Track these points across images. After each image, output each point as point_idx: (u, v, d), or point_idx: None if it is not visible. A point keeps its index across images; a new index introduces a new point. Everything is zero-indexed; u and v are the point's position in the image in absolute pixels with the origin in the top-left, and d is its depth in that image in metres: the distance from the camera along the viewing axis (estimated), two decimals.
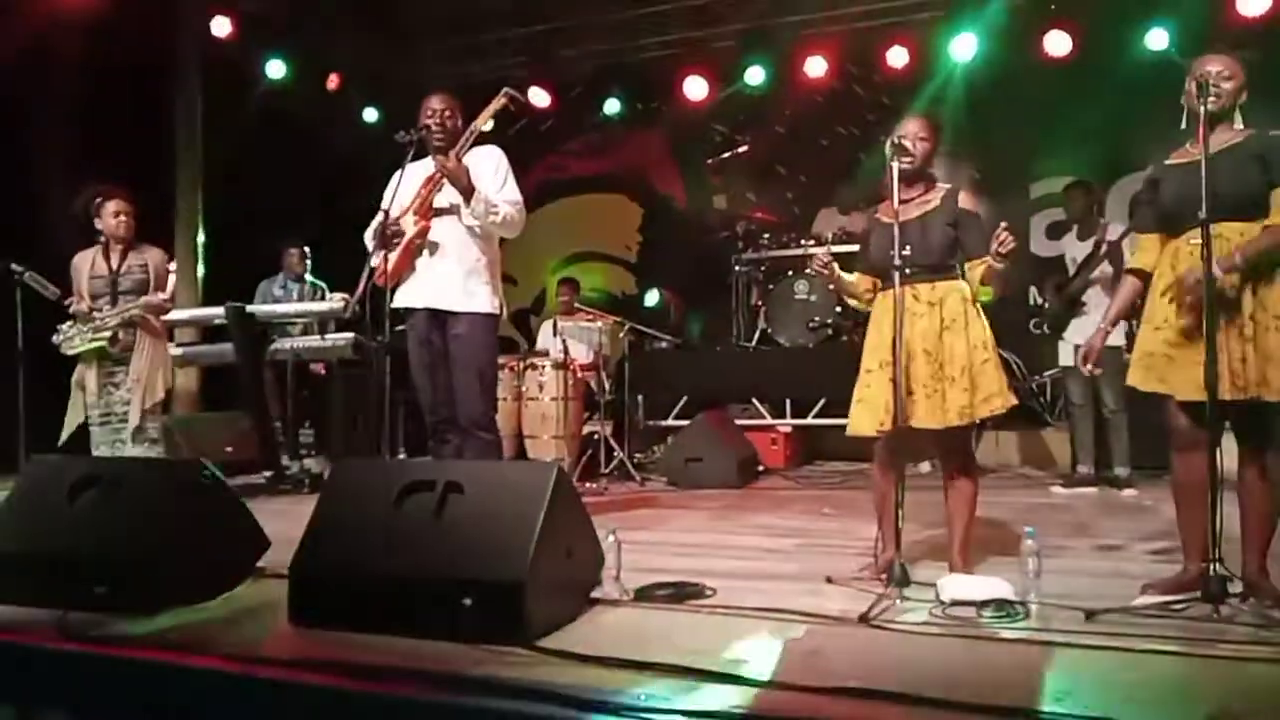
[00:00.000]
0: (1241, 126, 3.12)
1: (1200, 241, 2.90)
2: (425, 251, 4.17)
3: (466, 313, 4.14)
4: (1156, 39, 7.41)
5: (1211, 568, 2.84)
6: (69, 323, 4.94)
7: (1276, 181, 3.01)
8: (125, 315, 4.83)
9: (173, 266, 5.10)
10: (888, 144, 3.31)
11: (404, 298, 4.21)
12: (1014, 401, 3.45)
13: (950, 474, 3.50)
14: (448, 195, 4.15)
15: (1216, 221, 2.93)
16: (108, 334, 4.80)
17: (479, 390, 4.14)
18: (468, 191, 4.04)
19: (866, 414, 3.46)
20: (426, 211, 4.16)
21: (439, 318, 4.18)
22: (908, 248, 3.27)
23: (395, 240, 4.10)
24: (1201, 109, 2.97)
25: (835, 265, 3.59)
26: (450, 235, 4.17)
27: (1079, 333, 5.82)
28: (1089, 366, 3.37)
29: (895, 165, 3.30)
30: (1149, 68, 7.29)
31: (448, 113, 4.21)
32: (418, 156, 4.23)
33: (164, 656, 2.67)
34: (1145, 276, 3.25)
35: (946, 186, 3.53)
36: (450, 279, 4.15)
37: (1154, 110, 6.95)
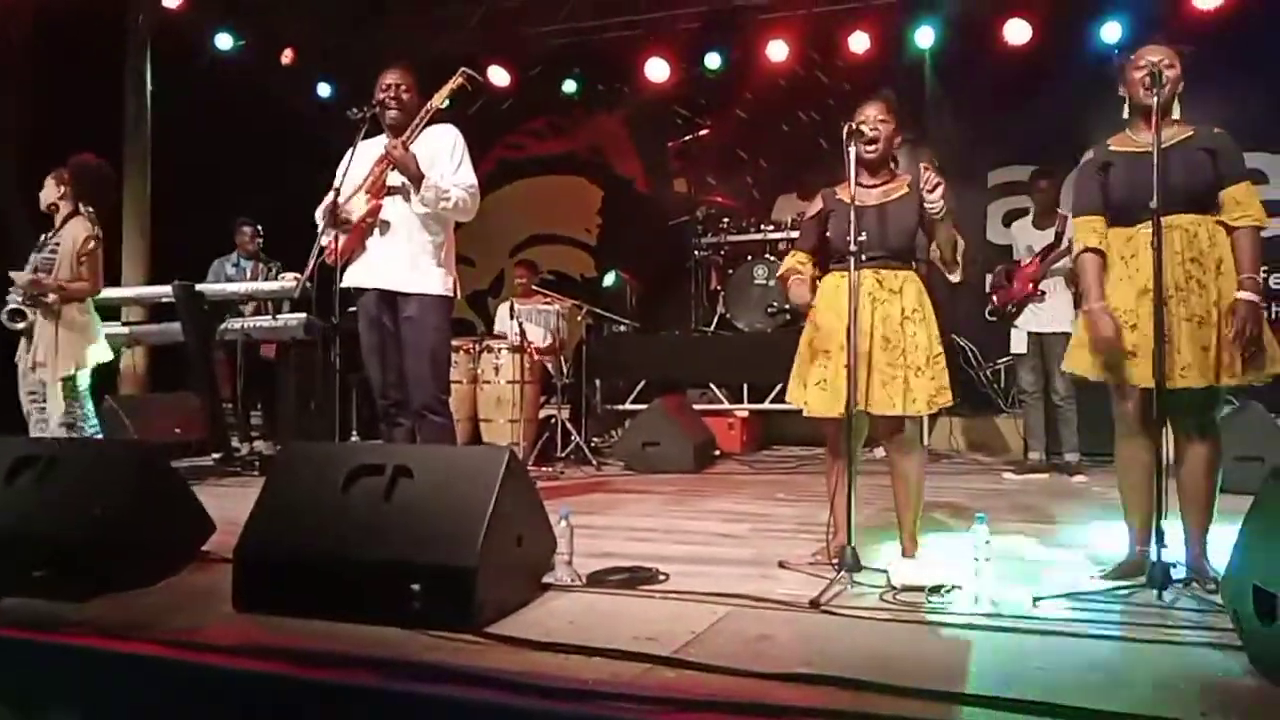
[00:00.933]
0: (1177, 120, 3.16)
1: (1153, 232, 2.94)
2: (376, 231, 4.09)
3: (417, 294, 4.06)
4: (1110, 32, 7.48)
5: (1155, 553, 2.88)
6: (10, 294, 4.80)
7: (1226, 180, 3.06)
8: (24, 293, 4.66)
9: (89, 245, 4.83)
10: (845, 130, 3.29)
11: (353, 277, 4.12)
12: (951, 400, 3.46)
13: (900, 460, 3.49)
14: (399, 175, 4.07)
15: (1169, 214, 2.96)
16: (9, 309, 4.65)
17: (430, 373, 4.07)
18: (416, 179, 3.97)
19: (830, 396, 3.40)
20: (379, 190, 4.07)
21: (389, 299, 4.10)
22: (864, 234, 3.27)
23: (345, 220, 4.02)
24: (1155, 99, 3.00)
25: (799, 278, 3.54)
26: (402, 214, 4.09)
27: (1033, 320, 5.88)
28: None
29: (852, 150, 3.28)
30: (1106, 57, 7.37)
31: (403, 88, 4.13)
32: (372, 133, 4.15)
33: (103, 643, 2.60)
34: (1101, 254, 3.24)
35: (908, 174, 3.52)
36: (401, 259, 4.07)
37: (1112, 100, 7.04)
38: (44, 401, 4.66)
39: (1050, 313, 5.81)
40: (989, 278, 8.26)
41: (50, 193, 4.81)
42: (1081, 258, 3.28)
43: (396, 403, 4.12)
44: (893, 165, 3.55)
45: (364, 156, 4.11)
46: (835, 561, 3.24)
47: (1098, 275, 3.22)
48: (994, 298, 6.24)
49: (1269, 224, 3.10)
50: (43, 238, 4.83)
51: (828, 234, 3.54)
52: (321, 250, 4.03)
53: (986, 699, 2.11)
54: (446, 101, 4.15)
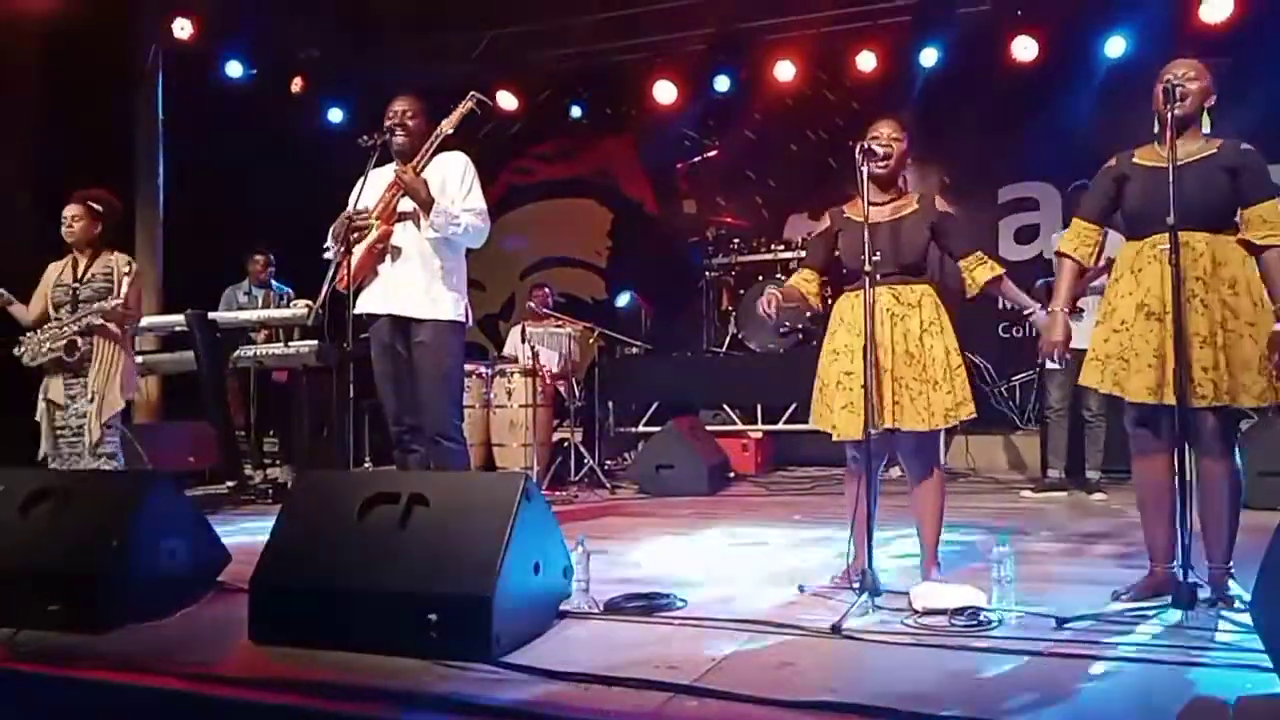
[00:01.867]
0: (1208, 133, 3.13)
1: (1167, 248, 2.91)
2: (388, 257, 4.07)
3: (431, 320, 4.04)
4: (1116, 46, 7.47)
5: (1182, 573, 2.84)
6: (30, 333, 4.80)
7: (1248, 201, 3.03)
8: (82, 323, 4.69)
9: (129, 269, 4.90)
10: (857, 148, 3.28)
11: (366, 304, 4.11)
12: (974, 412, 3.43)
13: (919, 479, 3.46)
14: (411, 200, 4.06)
15: (1184, 230, 2.94)
16: (64, 342, 4.66)
17: (445, 399, 4.05)
18: (426, 204, 3.96)
19: (858, 417, 3.29)
20: (390, 216, 4.06)
21: (402, 325, 4.08)
22: (879, 253, 3.26)
23: (355, 239, 4.00)
24: (1169, 114, 2.98)
25: (776, 299, 3.53)
26: (414, 240, 4.07)
27: (1074, 336, 5.80)
28: (1053, 360, 3.38)
29: (865, 169, 3.28)
30: (1115, 72, 7.37)
31: (410, 114, 4.13)
32: (383, 160, 4.16)
33: (119, 676, 2.58)
34: (1078, 263, 3.26)
35: (918, 192, 3.52)
36: (414, 285, 4.05)
37: (1121, 115, 7.01)
38: (75, 436, 4.66)
39: (1086, 330, 5.73)
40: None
41: (87, 225, 4.82)
42: (1058, 259, 3.36)
43: (410, 429, 4.10)
44: (901, 183, 3.54)
45: (375, 183, 4.11)
46: (854, 584, 3.19)
47: (1069, 280, 3.31)
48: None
49: None
50: (76, 274, 4.82)
51: (837, 252, 3.54)
52: (334, 276, 4.03)
53: None
54: (454, 127, 4.15)
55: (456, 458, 4.03)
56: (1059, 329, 3.26)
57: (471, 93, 4.14)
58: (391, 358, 4.10)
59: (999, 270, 3.46)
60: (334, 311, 4.33)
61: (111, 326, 4.75)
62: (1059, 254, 3.37)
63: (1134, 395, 3.06)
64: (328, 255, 4.05)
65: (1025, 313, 3.55)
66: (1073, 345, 5.74)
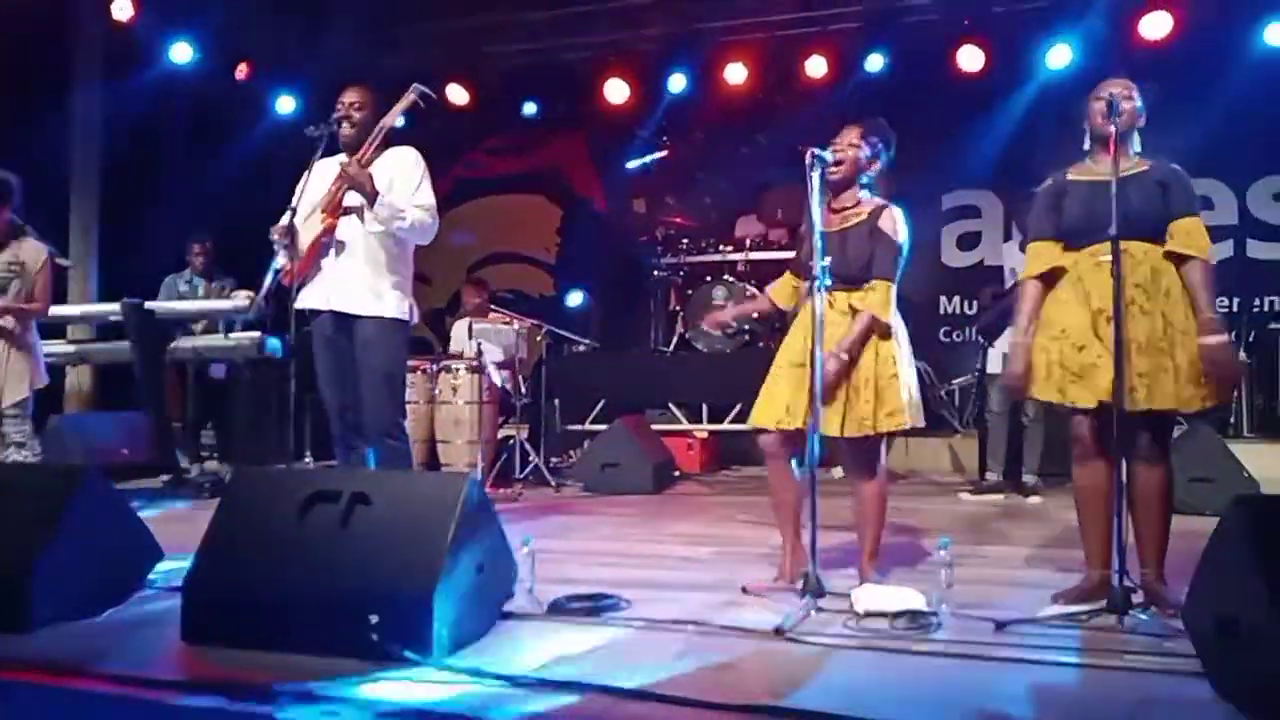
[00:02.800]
0: (1139, 152, 3.25)
1: (1109, 257, 2.98)
2: (332, 251, 3.99)
3: (373, 317, 3.98)
4: (1059, 57, 7.61)
5: (1117, 578, 2.89)
6: None
7: (1176, 213, 3.14)
8: None
9: (66, 263, 4.78)
10: (807, 153, 3.28)
11: (309, 299, 4.03)
12: (918, 422, 3.41)
13: (858, 482, 3.47)
14: (355, 195, 3.97)
15: (1124, 239, 3.01)
16: None
17: (386, 397, 4.00)
18: (370, 198, 3.88)
19: (768, 407, 3.42)
20: (335, 209, 3.96)
21: (345, 321, 4.01)
22: (829, 258, 3.26)
23: (289, 247, 3.94)
24: (1112, 127, 3.05)
25: (727, 315, 3.69)
26: (359, 235, 3.99)
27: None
28: (1019, 390, 3.36)
29: (814, 176, 3.27)
30: (1057, 83, 7.51)
31: (357, 105, 4.04)
32: (330, 151, 4.08)
33: (44, 678, 2.50)
34: (1047, 281, 3.29)
35: (877, 202, 3.50)
36: (357, 281, 3.98)
37: (1062, 125, 7.16)
38: None
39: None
40: (942, 299, 8.45)
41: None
42: (1025, 284, 3.34)
43: (352, 425, 4.03)
44: (862, 192, 3.53)
45: (322, 175, 4.03)
46: (792, 584, 3.26)
47: (1034, 307, 3.29)
48: (980, 319, 6.25)
49: (1212, 258, 3.16)
50: None
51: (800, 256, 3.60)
52: (277, 271, 3.94)
53: None
54: (400, 120, 4.08)
55: (399, 456, 3.98)
56: (1021, 361, 3.26)
57: (414, 85, 4.06)
58: (334, 354, 4.02)
59: (869, 310, 3.34)
60: (277, 304, 4.24)
61: (7, 322, 4.59)
62: (1026, 279, 3.33)
63: (1085, 402, 3.11)
64: (279, 263, 3.96)
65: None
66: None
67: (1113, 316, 2.97)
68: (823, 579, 3.14)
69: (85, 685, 2.47)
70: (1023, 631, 2.83)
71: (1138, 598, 2.97)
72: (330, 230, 3.97)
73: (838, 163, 3.41)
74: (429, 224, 4.04)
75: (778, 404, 3.41)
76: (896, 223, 3.43)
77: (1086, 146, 3.30)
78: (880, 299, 3.34)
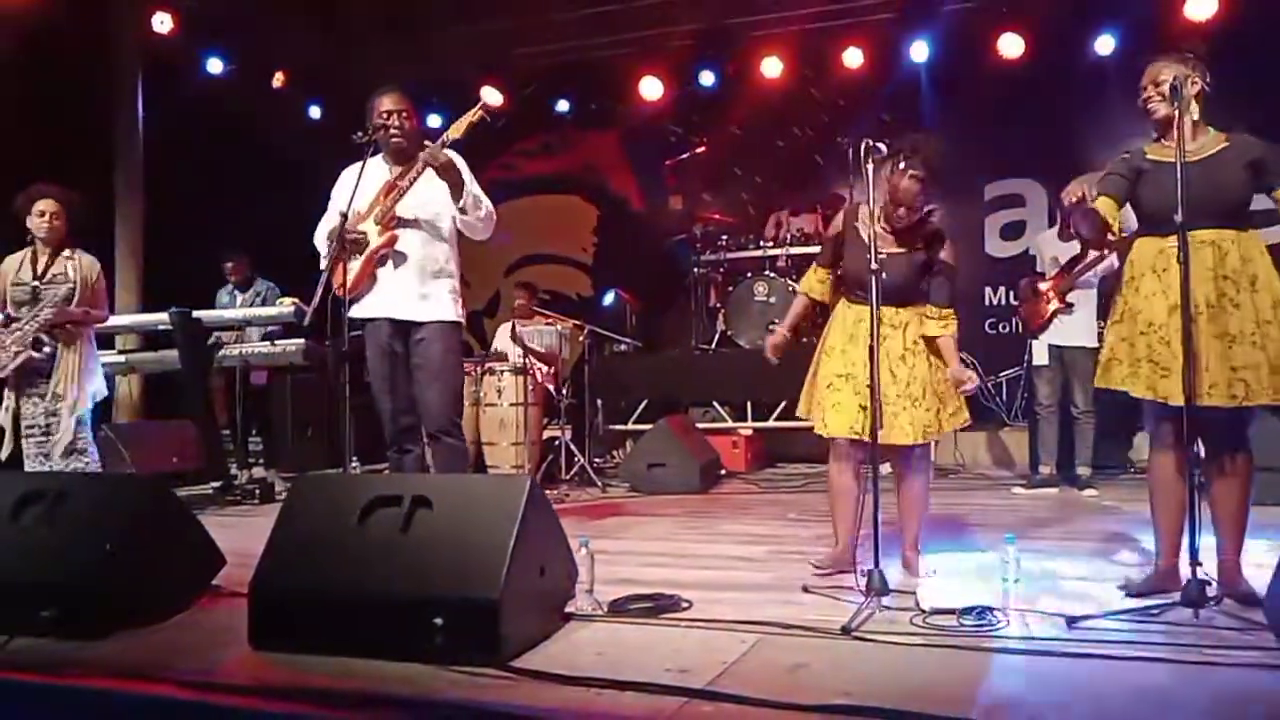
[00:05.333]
0: (1213, 125, 3.12)
1: (1189, 245, 2.88)
2: (389, 262, 4.05)
3: (430, 321, 4.04)
4: (1103, 44, 7.50)
5: (1191, 570, 2.83)
6: None
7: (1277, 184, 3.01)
8: (42, 320, 4.59)
9: (95, 273, 4.81)
10: (862, 144, 3.24)
11: (364, 308, 4.08)
12: (968, 417, 3.66)
13: (912, 477, 3.63)
14: (410, 204, 4.02)
15: (1198, 229, 2.93)
16: (30, 340, 4.56)
17: (444, 397, 4.04)
18: (458, 185, 3.92)
19: (841, 417, 3.54)
20: (389, 221, 4.03)
21: (401, 327, 4.07)
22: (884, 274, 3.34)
23: (355, 247, 3.97)
24: (1175, 112, 2.96)
25: (781, 337, 3.81)
26: (412, 245, 4.05)
27: (1056, 333, 5.80)
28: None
29: (869, 168, 3.25)
30: (1100, 70, 7.39)
31: (404, 114, 4.06)
32: (363, 157, 4.08)
33: (116, 684, 2.52)
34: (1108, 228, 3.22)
35: (933, 228, 3.59)
36: (413, 289, 4.04)
37: (1106, 112, 7.03)
38: (44, 435, 4.58)
39: (1074, 325, 5.74)
40: (987, 290, 8.33)
41: (64, 223, 4.73)
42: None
43: (405, 429, 4.08)
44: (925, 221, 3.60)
45: (367, 184, 4.04)
46: (830, 570, 3.50)
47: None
48: (1021, 311, 6.15)
49: None
50: (36, 271, 4.71)
51: (843, 259, 3.67)
52: (329, 282, 3.94)
53: None
54: (461, 134, 4.06)
55: (456, 454, 4.04)
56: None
57: (481, 102, 4.03)
58: (389, 359, 4.07)
59: (943, 332, 3.55)
60: (326, 310, 4.26)
61: (74, 329, 4.67)
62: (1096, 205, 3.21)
63: (1176, 399, 2.98)
64: (325, 264, 3.99)
65: (955, 382, 3.54)
66: (1062, 342, 5.82)
67: (1180, 306, 2.88)
68: (885, 576, 3.10)
69: (157, 690, 2.48)
70: (1095, 627, 2.78)
71: (1211, 590, 2.90)
72: (391, 243, 4.02)
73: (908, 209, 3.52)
74: (493, 215, 4.12)
75: (850, 413, 3.52)
76: (953, 250, 3.61)
77: (1154, 135, 3.17)
78: (954, 328, 3.56)
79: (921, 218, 3.56)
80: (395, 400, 4.08)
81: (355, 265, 3.98)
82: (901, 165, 3.45)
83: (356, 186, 3.91)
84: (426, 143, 3.96)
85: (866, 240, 3.33)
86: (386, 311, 4.05)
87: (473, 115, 3.98)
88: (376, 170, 4.09)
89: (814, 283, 3.83)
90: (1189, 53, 3.14)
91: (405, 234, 4.05)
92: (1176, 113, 2.95)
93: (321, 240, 4.09)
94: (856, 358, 3.49)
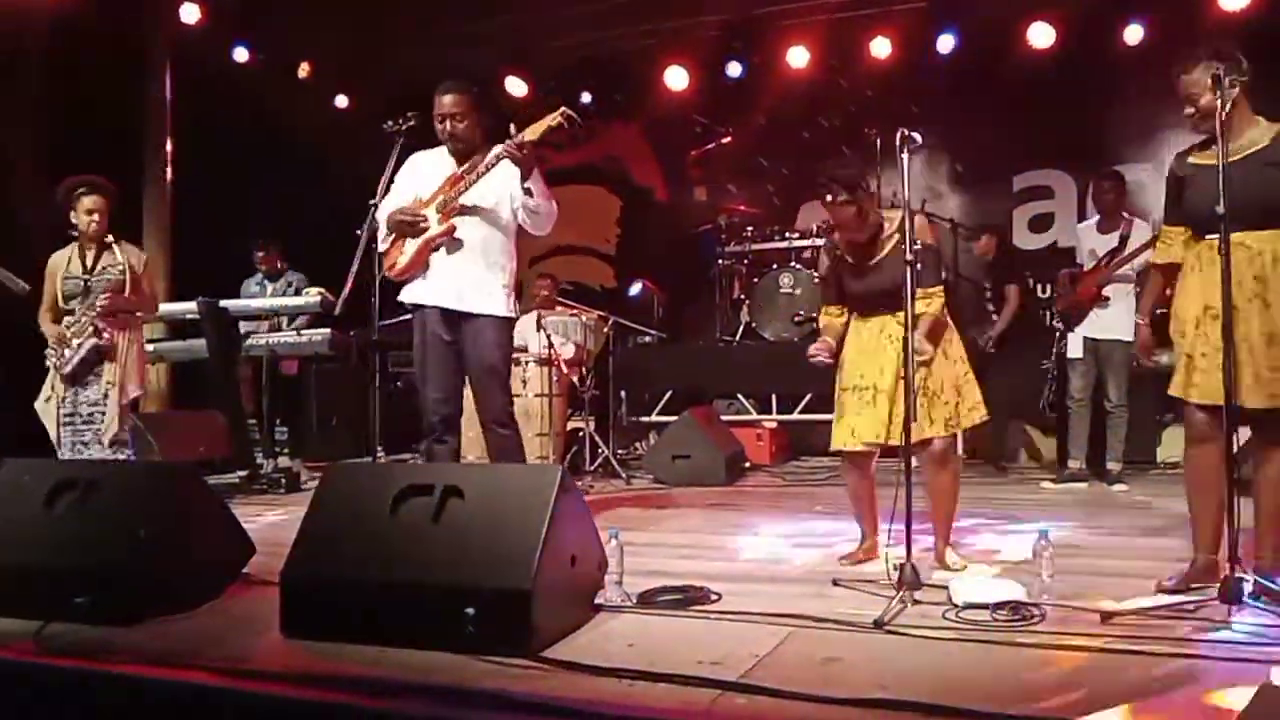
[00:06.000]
0: (1262, 115, 3.08)
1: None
2: (444, 250, 4.06)
3: (481, 314, 4.05)
4: (1134, 34, 7.39)
5: (1230, 568, 2.79)
6: (53, 345, 4.74)
7: None
8: (98, 308, 4.66)
9: (141, 262, 4.89)
10: (898, 133, 3.21)
11: (414, 294, 4.10)
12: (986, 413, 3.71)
13: (940, 472, 3.62)
14: (473, 196, 4.04)
15: (1241, 230, 2.93)
16: (90, 329, 4.64)
17: (497, 388, 4.09)
18: (529, 170, 3.93)
19: (841, 429, 3.67)
20: (451, 211, 4.04)
21: (451, 317, 4.07)
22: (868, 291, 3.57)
23: (413, 230, 4.01)
24: (1219, 106, 2.91)
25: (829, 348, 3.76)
26: (474, 236, 4.06)
27: (1095, 326, 5.74)
28: (1146, 359, 3.47)
29: (904, 157, 3.23)
30: (1130, 60, 7.29)
31: (458, 117, 4.04)
32: (411, 146, 4.10)
33: (149, 670, 2.54)
34: (1170, 270, 3.27)
35: (897, 218, 3.61)
36: (471, 280, 4.05)
37: (1135, 103, 6.92)
38: (85, 424, 4.63)
39: (1110, 319, 5.69)
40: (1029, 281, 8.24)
41: (108, 218, 4.78)
42: (1153, 271, 3.44)
43: (445, 418, 4.09)
44: (880, 224, 3.65)
45: (429, 172, 4.11)
46: (859, 560, 3.59)
47: (1155, 291, 3.41)
48: (1058, 303, 6.11)
49: None
50: (86, 265, 4.75)
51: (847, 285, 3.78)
52: (361, 270, 3.96)
53: None
54: (537, 136, 4.00)
55: (510, 444, 4.08)
56: (1140, 342, 3.47)
57: (562, 108, 3.98)
58: (436, 348, 4.08)
59: (930, 313, 3.55)
60: (358, 300, 4.28)
61: (123, 317, 4.73)
62: (1155, 266, 3.44)
63: (1207, 398, 3.02)
64: (383, 246, 4.07)
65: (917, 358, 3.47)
66: (1098, 335, 5.75)
67: (1223, 306, 2.85)
68: (918, 570, 3.08)
69: (188, 677, 2.49)
70: (1129, 623, 2.75)
71: (1248, 587, 2.86)
72: (449, 233, 4.03)
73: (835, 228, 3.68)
74: (554, 212, 4.14)
75: (847, 424, 3.63)
76: (923, 229, 3.60)
77: (1201, 135, 3.14)
78: (937, 306, 3.55)
79: (876, 228, 3.63)
80: (436, 389, 4.07)
81: (411, 248, 4.00)
82: (828, 199, 3.59)
83: (414, 173, 3.85)
84: (507, 140, 3.95)
85: (853, 260, 3.60)
86: (437, 300, 4.06)
87: (552, 120, 3.95)
88: (442, 160, 4.15)
89: (830, 320, 3.85)
90: (1219, 49, 3.07)
91: (465, 225, 4.06)
92: (1220, 106, 2.90)
93: (384, 219, 4.12)
94: (865, 368, 3.61)
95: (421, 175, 4.13)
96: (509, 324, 4.16)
